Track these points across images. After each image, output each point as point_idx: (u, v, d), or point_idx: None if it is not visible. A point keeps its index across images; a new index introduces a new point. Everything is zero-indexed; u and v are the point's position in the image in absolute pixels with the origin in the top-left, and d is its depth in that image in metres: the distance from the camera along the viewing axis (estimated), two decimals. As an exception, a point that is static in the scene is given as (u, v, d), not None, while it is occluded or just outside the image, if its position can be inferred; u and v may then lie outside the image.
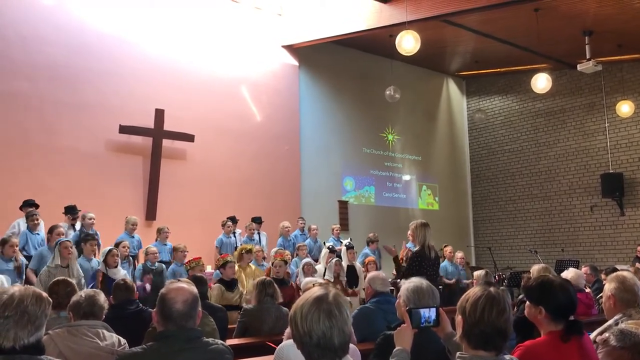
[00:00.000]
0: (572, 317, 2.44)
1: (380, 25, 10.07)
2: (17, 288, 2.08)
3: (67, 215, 7.78)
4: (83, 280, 6.34)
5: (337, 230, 10.34)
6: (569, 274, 5.55)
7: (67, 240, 6.49)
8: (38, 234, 7.26)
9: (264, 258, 8.62)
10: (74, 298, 3.20)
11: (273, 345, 3.50)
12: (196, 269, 6.67)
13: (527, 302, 2.52)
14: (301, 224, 10.21)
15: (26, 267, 6.67)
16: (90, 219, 7.67)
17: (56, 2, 9.01)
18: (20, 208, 7.55)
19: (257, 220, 9.69)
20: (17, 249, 6.45)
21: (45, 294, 2.11)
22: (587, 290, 6.19)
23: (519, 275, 8.85)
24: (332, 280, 7.60)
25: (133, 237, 8.19)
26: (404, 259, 8.97)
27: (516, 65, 13.14)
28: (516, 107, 13.98)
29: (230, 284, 6.48)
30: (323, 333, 1.71)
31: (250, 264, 7.80)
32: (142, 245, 8.33)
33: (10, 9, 8.56)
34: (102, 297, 3.23)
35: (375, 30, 10.33)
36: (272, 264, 7.02)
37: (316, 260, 8.79)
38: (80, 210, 7.83)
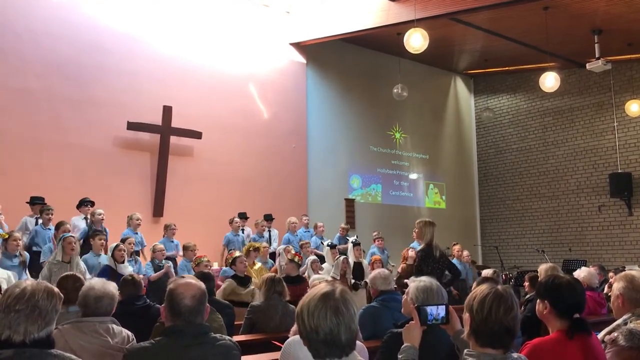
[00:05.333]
0: (577, 315, 2.44)
1: (388, 23, 10.05)
2: (30, 282, 2.10)
3: (81, 208, 7.88)
4: (88, 275, 6.34)
5: (342, 229, 10.30)
6: (581, 272, 5.51)
7: (71, 236, 6.47)
8: (49, 229, 7.27)
9: (270, 255, 8.64)
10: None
11: (278, 344, 3.50)
12: (201, 265, 6.64)
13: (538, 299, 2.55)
14: (305, 220, 10.19)
15: (31, 262, 6.66)
16: (99, 214, 7.72)
17: (65, -1, 9.07)
18: (30, 204, 7.58)
19: (268, 218, 9.71)
20: (21, 244, 6.43)
21: (56, 289, 2.12)
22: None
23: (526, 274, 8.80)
24: (338, 277, 7.59)
25: (137, 233, 8.21)
26: (406, 257, 8.97)
27: (524, 63, 13.06)
28: (524, 105, 13.91)
29: (243, 280, 6.48)
30: (330, 329, 1.71)
31: (255, 261, 7.80)
32: (144, 241, 8.36)
33: (20, 6, 8.61)
34: (116, 293, 3.24)
35: (383, 28, 10.31)
36: (288, 261, 7.04)
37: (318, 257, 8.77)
38: (91, 202, 7.91)
